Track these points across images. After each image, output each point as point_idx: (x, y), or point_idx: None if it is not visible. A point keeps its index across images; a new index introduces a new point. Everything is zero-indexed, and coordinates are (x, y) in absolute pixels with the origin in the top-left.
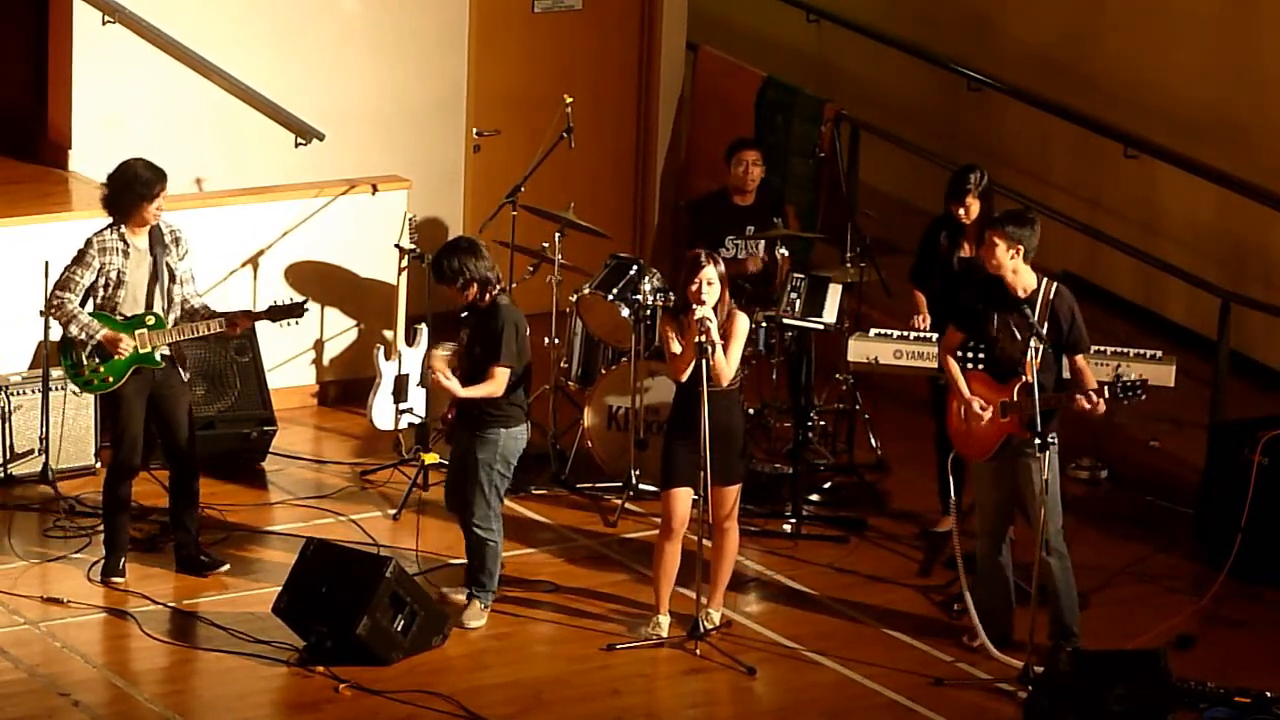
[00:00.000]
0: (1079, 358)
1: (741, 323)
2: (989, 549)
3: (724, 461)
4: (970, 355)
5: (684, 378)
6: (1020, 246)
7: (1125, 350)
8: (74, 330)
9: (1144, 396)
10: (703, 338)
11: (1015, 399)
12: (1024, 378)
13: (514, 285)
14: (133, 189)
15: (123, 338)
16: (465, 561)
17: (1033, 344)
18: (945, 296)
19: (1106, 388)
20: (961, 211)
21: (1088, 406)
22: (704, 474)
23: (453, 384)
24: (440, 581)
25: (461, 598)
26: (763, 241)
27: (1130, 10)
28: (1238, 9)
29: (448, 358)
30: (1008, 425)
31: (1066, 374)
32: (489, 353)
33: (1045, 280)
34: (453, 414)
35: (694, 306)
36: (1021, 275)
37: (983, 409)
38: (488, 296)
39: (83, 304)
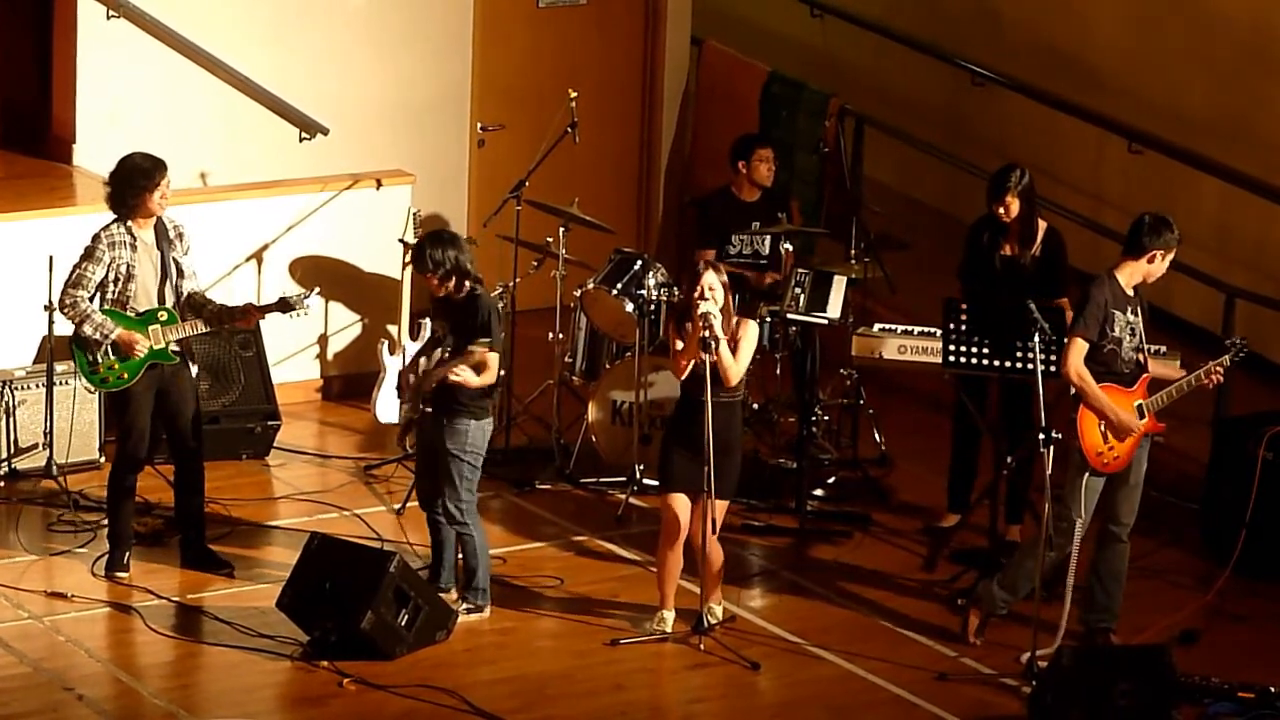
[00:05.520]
0: None
1: (751, 329)
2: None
3: (719, 476)
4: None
5: (684, 375)
6: (1174, 251)
7: None
8: (88, 330)
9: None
10: (706, 333)
11: (1147, 397)
12: (1148, 374)
13: (518, 280)
14: (135, 181)
15: (138, 336)
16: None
17: (1141, 336)
18: (989, 295)
19: (1226, 357)
20: (1001, 210)
21: (1220, 379)
22: (707, 470)
23: (466, 375)
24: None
25: (452, 596)
26: (771, 243)
27: (1135, 4)
28: (1245, 4)
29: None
30: (1146, 426)
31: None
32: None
33: None
34: (430, 407)
35: (698, 303)
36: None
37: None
38: (465, 288)
39: (91, 300)
